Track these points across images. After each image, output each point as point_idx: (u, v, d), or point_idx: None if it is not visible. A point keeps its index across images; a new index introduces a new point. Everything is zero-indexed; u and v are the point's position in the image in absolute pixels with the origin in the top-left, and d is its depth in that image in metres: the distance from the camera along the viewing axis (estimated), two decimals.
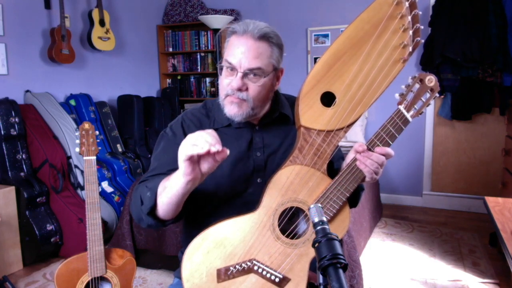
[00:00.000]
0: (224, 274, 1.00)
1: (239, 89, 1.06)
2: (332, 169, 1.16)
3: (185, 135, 1.13)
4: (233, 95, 1.07)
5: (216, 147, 0.87)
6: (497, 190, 3.14)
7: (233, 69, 1.06)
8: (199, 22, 4.10)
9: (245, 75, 1.05)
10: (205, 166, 0.92)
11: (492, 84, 3.32)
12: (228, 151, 0.90)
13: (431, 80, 1.04)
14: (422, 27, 1.03)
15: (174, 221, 1.09)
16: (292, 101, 1.20)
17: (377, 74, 1.03)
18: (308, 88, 1.04)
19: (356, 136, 3.63)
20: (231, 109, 1.08)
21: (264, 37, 1.05)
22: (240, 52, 1.04)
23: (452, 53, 3.28)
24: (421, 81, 1.04)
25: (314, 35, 4.05)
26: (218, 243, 1.01)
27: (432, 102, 1.06)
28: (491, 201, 1.49)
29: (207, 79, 4.52)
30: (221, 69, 1.10)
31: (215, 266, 1.00)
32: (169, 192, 0.97)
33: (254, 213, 1.03)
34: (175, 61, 4.62)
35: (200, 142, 0.87)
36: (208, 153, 0.88)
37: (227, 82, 1.08)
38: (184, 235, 1.27)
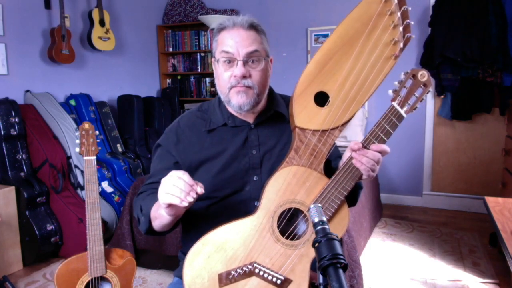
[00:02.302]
0: (225, 278, 1.00)
1: (244, 76, 1.09)
2: (330, 168, 1.16)
3: (178, 142, 1.18)
4: (238, 85, 1.09)
5: (192, 194, 0.91)
6: (497, 190, 3.15)
7: (231, 60, 1.10)
8: (199, 22, 4.11)
9: (245, 62, 1.09)
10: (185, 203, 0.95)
11: (492, 84, 3.32)
12: (203, 190, 0.94)
13: (423, 75, 1.03)
14: (412, 22, 1.03)
15: (173, 229, 1.16)
16: (288, 100, 1.21)
17: (370, 71, 1.03)
18: (302, 89, 1.05)
19: (356, 136, 3.63)
20: (239, 99, 1.10)
21: (252, 26, 1.11)
22: (235, 42, 1.09)
23: (452, 53, 3.28)
24: (414, 76, 1.04)
25: (314, 35, 4.05)
26: (218, 247, 1.01)
27: (428, 98, 1.06)
28: (491, 201, 1.49)
29: (207, 79, 4.52)
30: (217, 62, 1.12)
31: (216, 270, 1.00)
32: (160, 221, 1.06)
33: (253, 216, 1.02)
34: (175, 61, 4.62)
35: (175, 191, 0.91)
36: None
37: (228, 75, 1.11)
38: (184, 235, 1.28)
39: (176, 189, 0.91)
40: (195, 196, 0.92)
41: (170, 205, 0.94)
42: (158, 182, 1.17)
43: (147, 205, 1.11)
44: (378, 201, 3.49)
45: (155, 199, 1.08)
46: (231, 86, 1.10)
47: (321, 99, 1.05)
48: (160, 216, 1.04)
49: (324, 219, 0.73)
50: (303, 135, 1.05)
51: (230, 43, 1.09)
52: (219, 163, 1.15)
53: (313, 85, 1.04)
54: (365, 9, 1.02)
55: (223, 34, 1.12)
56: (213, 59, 1.17)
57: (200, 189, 0.93)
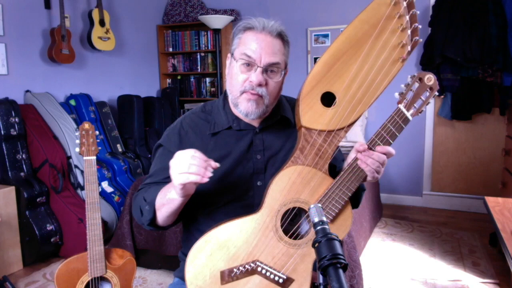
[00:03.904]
0: (227, 275, 1.00)
1: (260, 85, 1.06)
2: (333, 171, 1.16)
3: (181, 144, 1.15)
4: (251, 91, 1.07)
5: (209, 169, 0.93)
6: (497, 190, 3.15)
7: (250, 64, 1.07)
8: (199, 22, 4.10)
9: (264, 70, 1.06)
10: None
11: (492, 84, 3.32)
12: (218, 164, 0.95)
13: (430, 79, 1.04)
14: (420, 26, 1.03)
15: (173, 225, 1.15)
16: (293, 104, 1.19)
17: (377, 73, 1.04)
18: (309, 89, 1.04)
19: (356, 136, 3.63)
20: (248, 107, 1.08)
21: (280, 35, 1.09)
22: (260, 47, 1.05)
23: (452, 53, 3.28)
24: (420, 80, 1.04)
25: (314, 35, 4.05)
26: (221, 245, 1.00)
27: (431, 100, 1.07)
28: (491, 201, 1.49)
29: (207, 79, 4.52)
30: (235, 61, 1.09)
31: (218, 268, 1.00)
32: (168, 208, 1.03)
33: (257, 214, 1.02)
34: (175, 61, 4.62)
35: (193, 169, 0.91)
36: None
37: (243, 78, 1.07)
38: (184, 237, 1.27)
39: (193, 167, 0.91)
40: (211, 170, 0.93)
41: (185, 185, 0.93)
42: (160, 183, 1.16)
43: (152, 195, 1.08)
44: (378, 201, 3.49)
45: (159, 189, 1.07)
46: (244, 90, 1.07)
47: (328, 99, 1.05)
48: (169, 202, 1.01)
49: (324, 219, 0.73)
50: (308, 135, 1.05)
51: (253, 47, 1.05)
52: (223, 168, 1.12)
53: (320, 85, 1.04)
54: (374, 12, 1.03)
55: (248, 35, 1.08)
56: (229, 55, 1.13)
57: (214, 164, 0.94)
